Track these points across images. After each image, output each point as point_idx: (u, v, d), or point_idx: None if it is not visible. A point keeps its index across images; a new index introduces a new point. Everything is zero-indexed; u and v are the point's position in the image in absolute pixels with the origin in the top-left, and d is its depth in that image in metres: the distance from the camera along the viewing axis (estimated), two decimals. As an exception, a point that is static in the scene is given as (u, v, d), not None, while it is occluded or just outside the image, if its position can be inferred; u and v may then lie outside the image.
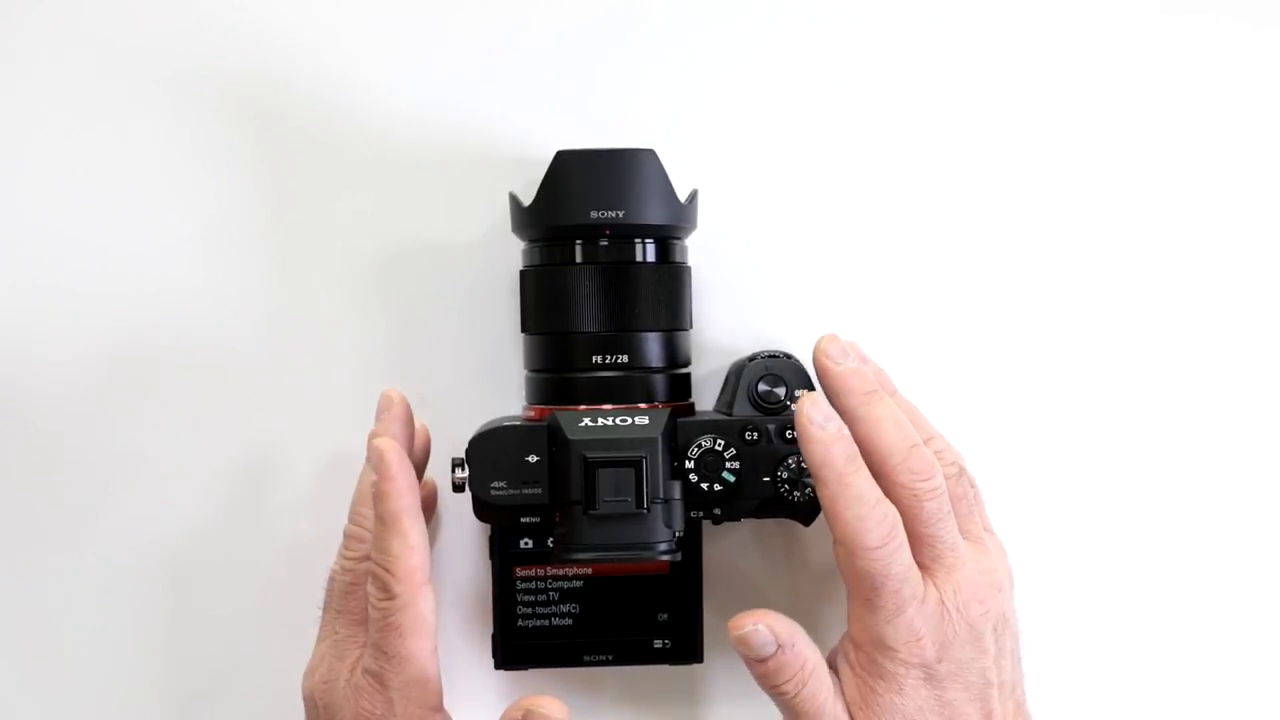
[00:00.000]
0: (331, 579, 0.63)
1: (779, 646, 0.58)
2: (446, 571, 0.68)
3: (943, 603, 0.58)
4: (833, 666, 0.59)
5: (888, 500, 0.57)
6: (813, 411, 0.58)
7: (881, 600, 0.57)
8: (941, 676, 0.58)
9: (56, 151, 0.68)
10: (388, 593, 0.58)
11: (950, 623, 0.58)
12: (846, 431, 0.58)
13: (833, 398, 0.59)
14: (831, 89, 0.69)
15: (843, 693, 0.59)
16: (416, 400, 0.67)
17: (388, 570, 0.58)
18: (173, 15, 0.68)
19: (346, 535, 0.63)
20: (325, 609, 0.63)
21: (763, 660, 0.58)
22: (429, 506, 0.66)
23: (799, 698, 0.58)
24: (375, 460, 0.58)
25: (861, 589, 0.57)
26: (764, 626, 0.58)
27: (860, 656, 0.58)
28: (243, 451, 0.69)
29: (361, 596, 0.60)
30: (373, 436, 0.60)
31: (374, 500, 0.59)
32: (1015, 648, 0.61)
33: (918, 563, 0.58)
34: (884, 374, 0.64)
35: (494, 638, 0.65)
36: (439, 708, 0.59)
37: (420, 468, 0.64)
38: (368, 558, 0.60)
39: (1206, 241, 0.70)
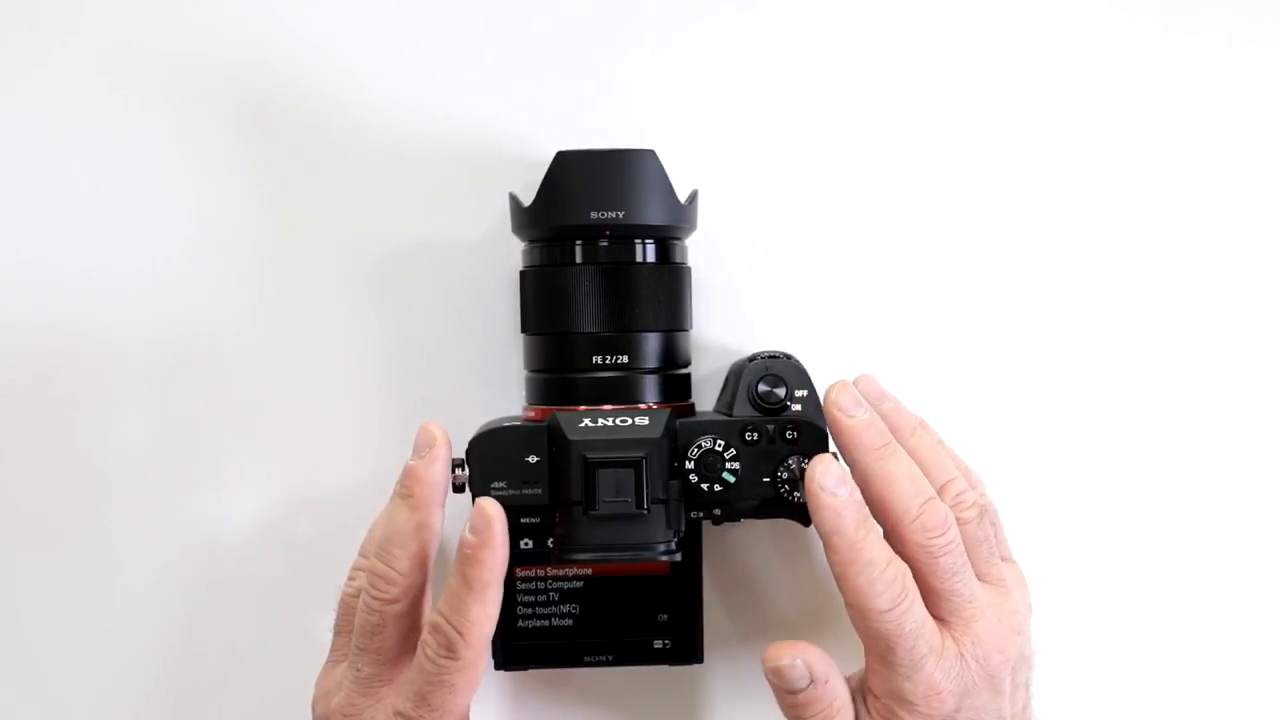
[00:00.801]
0: (344, 604, 0.62)
1: (812, 682, 0.58)
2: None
3: (961, 655, 0.57)
4: (853, 697, 0.59)
5: (897, 559, 0.57)
6: (824, 479, 0.57)
7: (897, 658, 0.56)
8: None
9: (55, 151, 0.68)
10: (453, 654, 0.56)
11: (969, 674, 0.57)
12: (858, 495, 0.58)
13: (844, 451, 0.59)
14: (832, 89, 0.69)
15: None
16: (417, 401, 0.68)
17: (460, 633, 0.56)
18: (173, 15, 0.68)
19: (373, 573, 0.59)
20: (339, 633, 0.62)
21: (793, 693, 0.58)
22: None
23: None
24: (481, 525, 0.56)
25: (876, 648, 0.57)
26: (801, 662, 0.57)
27: (879, 706, 0.58)
28: (242, 452, 0.69)
29: (388, 637, 0.59)
30: (412, 473, 0.59)
31: (465, 561, 0.56)
32: (1029, 678, 0.61)
33: (934, 616, 0.57)
34: (901, 408, 0.63)
35: (494, 638, 0.65)
36: None
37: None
38: (398, 600, 0.58)
39: (1224, 251, 0.70)
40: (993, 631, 0.58)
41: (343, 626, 0.62)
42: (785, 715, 0.59)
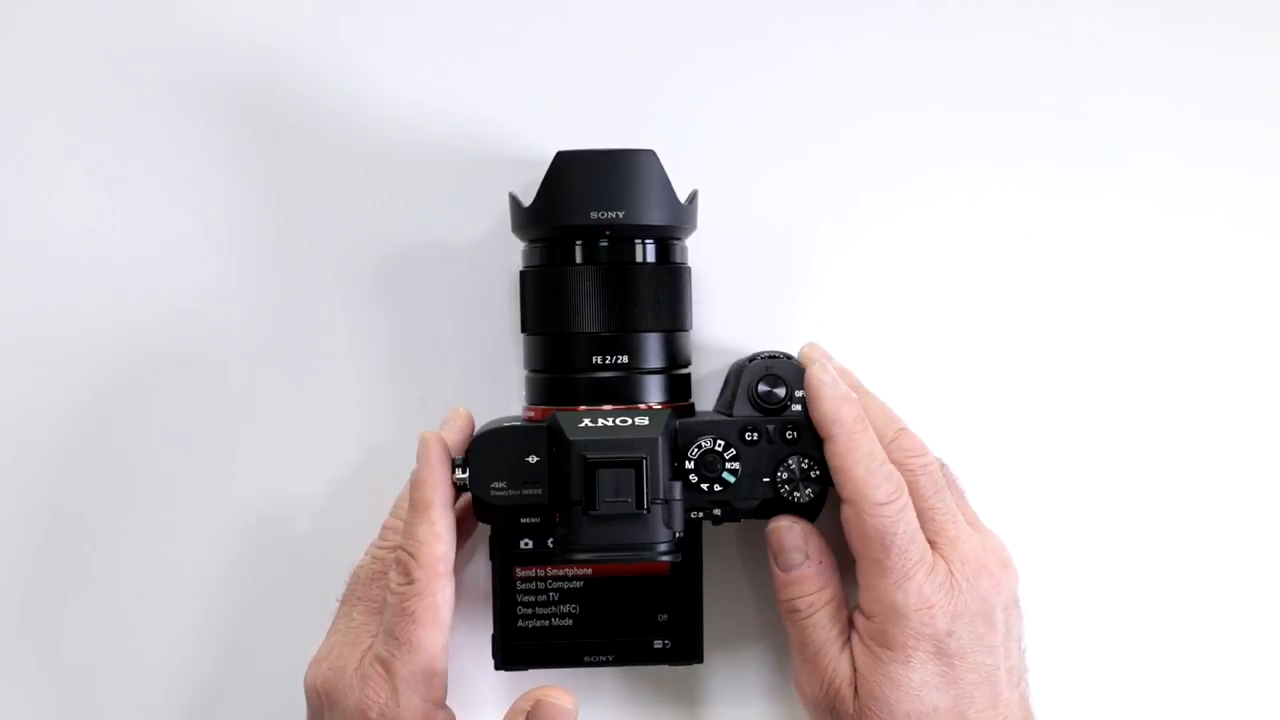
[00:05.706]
0: (356, 572, 0.63)
1: (807, 558, 0.61)
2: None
3: (951, 574, 0.59)
4: (846, 627, 0.61)
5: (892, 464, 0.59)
6: (822, 374, 0.60)
7: (891, 561, 0.58)
8: (951, 652, 0.58)
9: (56, 153, 0.68)
10: (408, 577, 0.59)
11: (961, 594, 0.58)
12: (854, 395, 0.60)
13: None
14: (832, 89, 0.69)
15: (852, 658, 0.59)
16: (417, 400, 0.68)
17: (412, 555, 0.59)
18: (173, 15, 0.68)
19: (384, 527, 0.63)
20: (344, 601, 0.63)
21: (787, 570, 0.61)
22: (463, 518, 0.65)
23: (809, 621, 0.60)
24: (420, 450, 0.60)
25: (871, 550, 0.58)
26: (800, 530, 0.61)
27: (871, 627, 0.59)
28: (242, 451, 0.69)
29: (384, 585, 0.60)
30: (421, 441, 0.61)
31: (411, 487, 0.60)
32: (1022, 637, 0.61)
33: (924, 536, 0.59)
34: (850, 374, 0.65)
35: (494, 638, 0.65)
36: (442, 704, 0.60)
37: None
38: (398, 548, 0.60)
39: (1188, 247, 0.70)
40: (980, 556, 0.60)
41: (347, 597, 0.63)
42: (779, 603, 0.62)
